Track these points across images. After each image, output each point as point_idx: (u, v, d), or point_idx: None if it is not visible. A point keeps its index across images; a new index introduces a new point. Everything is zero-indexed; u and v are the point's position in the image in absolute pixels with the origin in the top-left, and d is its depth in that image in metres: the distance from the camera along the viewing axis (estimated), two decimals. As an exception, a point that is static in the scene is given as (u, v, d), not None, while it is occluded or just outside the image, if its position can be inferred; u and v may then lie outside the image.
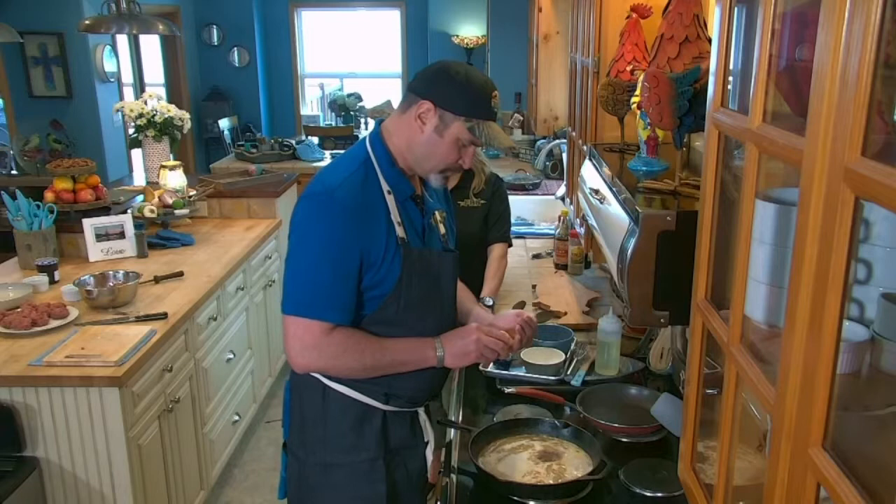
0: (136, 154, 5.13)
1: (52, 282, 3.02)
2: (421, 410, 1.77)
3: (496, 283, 2.69)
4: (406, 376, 1.67)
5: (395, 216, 1.61)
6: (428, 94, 1.56)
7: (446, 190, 1.86)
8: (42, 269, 3.04)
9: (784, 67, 0.92)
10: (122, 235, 3.37)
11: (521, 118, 5.80)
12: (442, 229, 1.75)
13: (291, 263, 1.61)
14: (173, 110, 4.29)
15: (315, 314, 1.56)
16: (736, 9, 1.04)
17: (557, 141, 4.83)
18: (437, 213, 1.75)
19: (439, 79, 1.58)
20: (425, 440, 1.79)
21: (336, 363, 1.62)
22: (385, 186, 1.62)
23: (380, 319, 1.63)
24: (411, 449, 1.77)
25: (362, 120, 6.64)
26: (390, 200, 1.62)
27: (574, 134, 2.91)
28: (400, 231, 1.61)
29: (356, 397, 1.67)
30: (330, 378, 1.66)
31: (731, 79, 1.09)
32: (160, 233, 3.61)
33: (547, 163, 4.94)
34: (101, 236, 3.33)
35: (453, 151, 1.59)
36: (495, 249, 2.74)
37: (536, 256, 3.42)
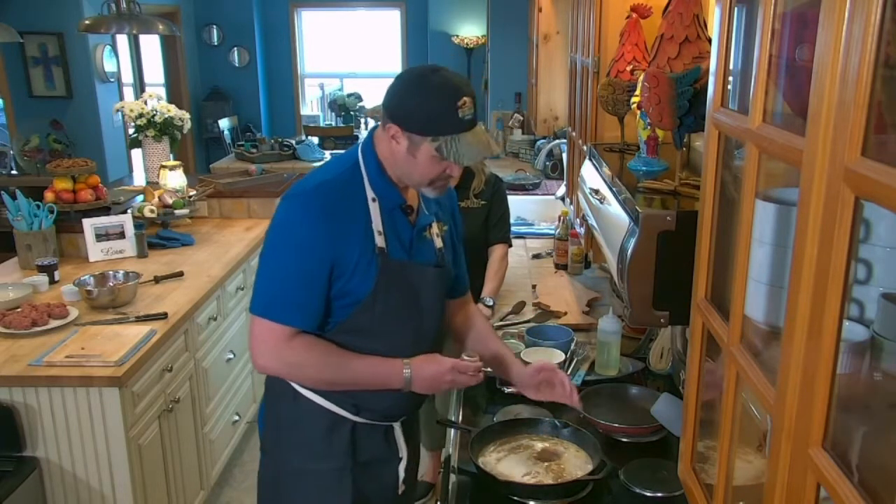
0: (136, 154, 5.13)
1: (52, 282, 3.02)
2: (396, 425, 1.72)
3: (497, 284, 2.69)
4: (378, 392, 1.62)
5: (376, 225, 1.57)
6: (393, 116, 1.52)
7: (455, 205, 1.82)
8: (42, 269, 3.03)
9: (784, 67, 0.92)
10: (122, 235, 3.37)
11: (521, 118, 5.81)
12: (438, 243, 1.69)
13: (262, 263, 1.59)
14: (173, 110, 4.29)
15: (278, 317, 1.53)
16: (736, 9, 1.04)
17: (557, 141, 4.83)
18: (434, 225, 1.69)
19: (400, 98, 1.52)
20: (399, 456, 1.74)
21: (294, 371, 1.60)
22: (370, 194, 1.58)
23: (350, 328, 1.58)
24: (384, 463, 1.72)
25: (362, 120, 6.64)
26: (374, 208, 1.57)
27: (574, 134, 2.91)
28: (380, 241, 1.56)
29: (325, 406, 1.63)
30: (300, 384, 1.64)
31: (731, 79, 1.09)
32: (160, 233, 3.61)
33: (547, 163, 4.94)
34: (101, 236, 3.32)
35: (433, 167, 1.53)
36: (496, 251, 2.74)
37: (536, 256, 3.42)
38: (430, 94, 1.48)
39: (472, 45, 7.31)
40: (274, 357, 1.56)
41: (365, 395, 1.62)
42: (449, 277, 1.73)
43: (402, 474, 1.75)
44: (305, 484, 1.68)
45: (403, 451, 1.74)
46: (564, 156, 4.29)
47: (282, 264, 1.54)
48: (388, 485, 1.74)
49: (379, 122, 1.63)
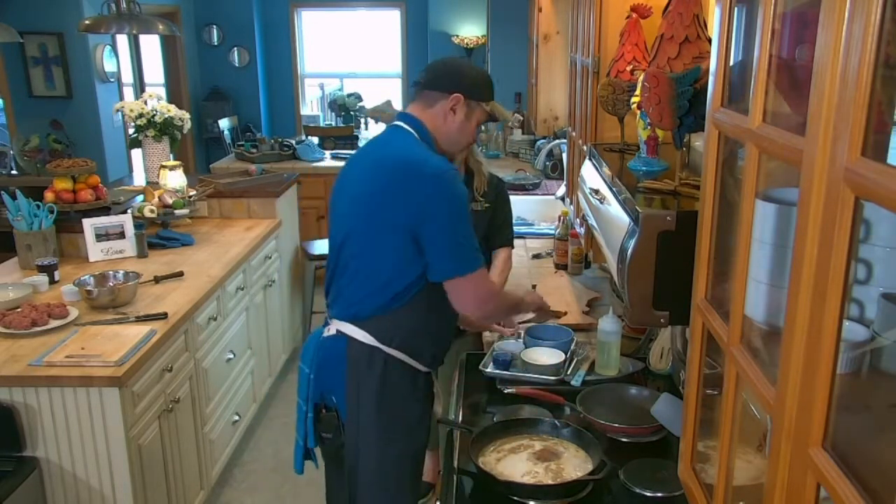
0: (136, 154, 5.13)
1: (52, 282, 3.02)
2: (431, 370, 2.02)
3: (500, 285, 2.68)
4: (444, 338, 1.98)
5: None
6: (456, 88, 1.87)
7: None
8: (42, 269, 3.03)
9: (784, 67, 0.92)
10: (122, 235, 3.37)
11: (521, 118, 5.80)
12: None
13: (448, 233, 1.79)
14: (173, 110, 4.29)
15: (482, 263, 1.84)
16: (736, 9, 1.04)
17: (557, 141, 4.83)
18: None
19: (461, 75, 1.91)
20: (434, 392, 2.03)
21: (501, 301, 1.98)
22: None
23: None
24: (431, 404, 2.01)
25: (362, 120, 6.63)
26: None
27: (574, 134, 2.91)
28: None
29: (410, 362, 1.89)
30: (391, 346, 1.86)
31: (731, 79, 1.08)
32: (160, 233, 3.61)
33: (547, 163, 4.94)
34: (101, 236, 3.32)
35: (475, 131, 1.96)
36: (500, 253, 2.73)
37: (536, 256, 3.42)
38: (480, 71, 1.98)
39: (472, 45, 7.30)
40: (496, 295, 1.93)
41: (442, 343, 1.97)
42: None
43: (438, 409, 2.05)
44: (396, 435, 1.90)
45: (438, 389, 2.05)
46: (564, 156, 4.29)
47: (464, 226, 1.81)
48: (432, 421, 2.03)
49: (411, 104, 1.95)
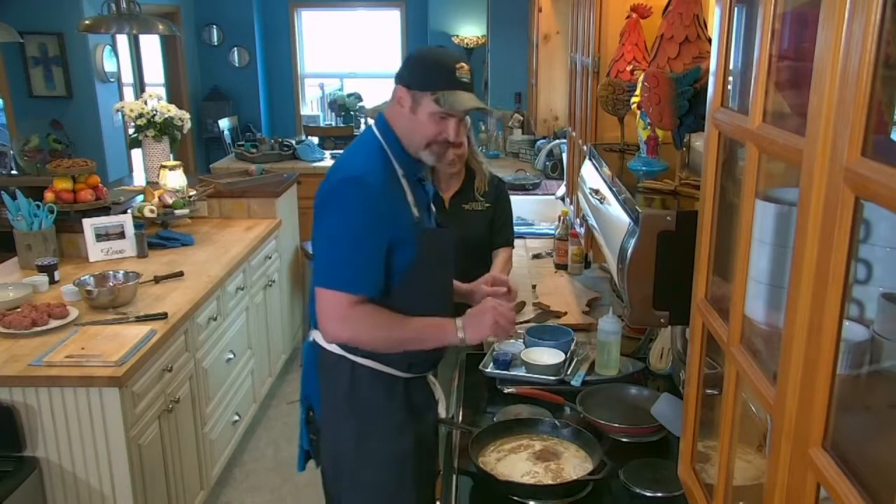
0: (136, 154, 5.13)
1: (52, 282, 3.02)
2: (430, 374, 1.95)
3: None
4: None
5: (410, 198, 1.76)
6: (400, 79, 1.73)
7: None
8: (42, 269, 3.03)
9: (784, 67, 0.92)
10: (122, 235, 3.37)
11: (521, 118, 5.80)
12: (433, 208, 1.94)
13: (326, 241, 1.72)
14: (173, 110, 4.29)
15: (350, 288, 1.69)
16: (736, 9, 1.04)
17: (557, 141, 4.83)
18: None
19: (407, 64, 1.75)
20: (436, 398, 1.96)
21: (362, 335, 1.74)
22: (399, 170, 1.76)
23: (399, 293, 1.75)
24: (428, 408, 1.94)
25: (362, 120, 6.63)
26: (405, 183, 1.76)
27: (574, 134, 2.91)
28: (415, 211, 1.77)
29: (381, 369, 1.81)
30: (357, 355, 1.79)
31: (731, 79, 1.09)
32: (160, 233, 3.61)
33: (547, 163, 4.94)
34: (101, 236, 3.33)
35: (432, 125, 1.71)
36: (501, 253, 2.73)
37: (536, 256, 3.42)
38: (433, 57, 1.74)
39: (472, 45, 7.30)
40: (345, 325, 1.72)
41: (420, 351, 1.82)
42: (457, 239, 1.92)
43: (442, 413, 1.97)
44: (370, 442, 1.85)
45: (440, 393, 1.98)
46: (564, 156, 4.29)
47: (348, 240, 1.69)
48: (432, 426, 1.96)
49: (383, 112, 1.82)
